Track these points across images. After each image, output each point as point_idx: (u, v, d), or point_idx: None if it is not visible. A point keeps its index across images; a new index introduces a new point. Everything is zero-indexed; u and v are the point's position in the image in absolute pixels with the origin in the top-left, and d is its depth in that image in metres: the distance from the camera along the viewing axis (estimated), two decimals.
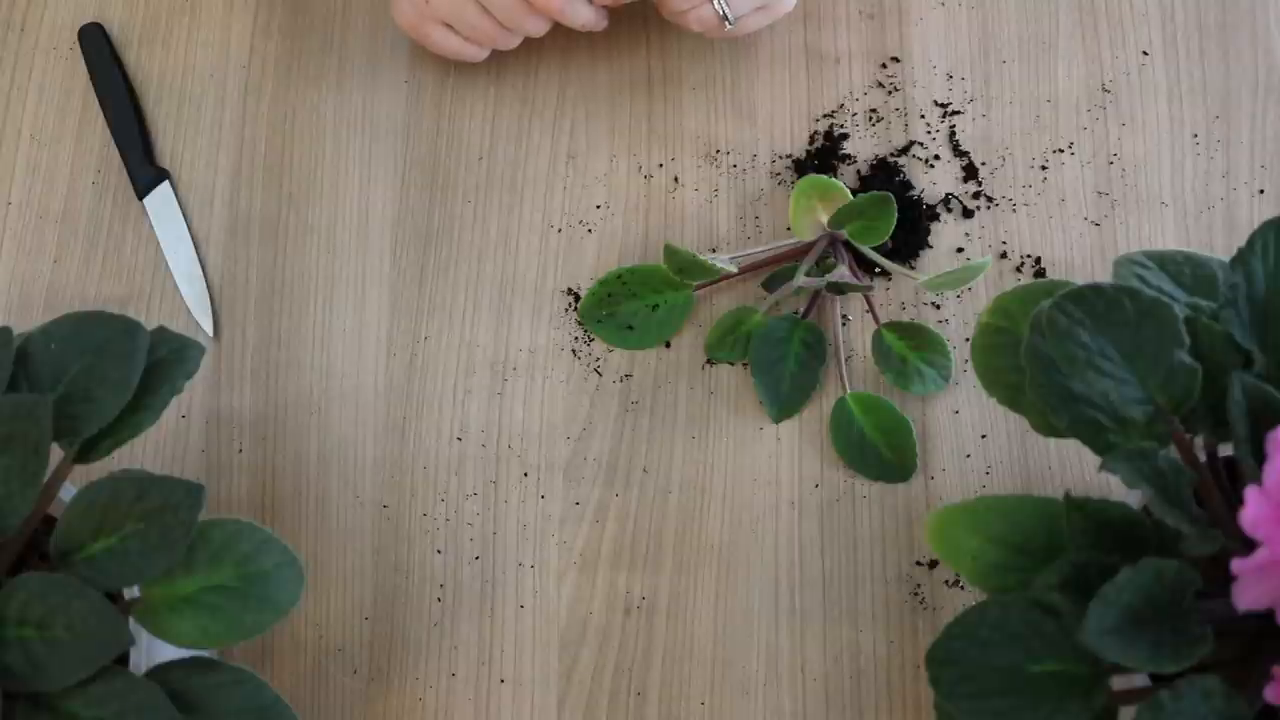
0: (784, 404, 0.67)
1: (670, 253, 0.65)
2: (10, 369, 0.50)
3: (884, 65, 0.74)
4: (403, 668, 0.64)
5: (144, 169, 0.73)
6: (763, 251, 0.70)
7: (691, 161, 0.73)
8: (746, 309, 0.68)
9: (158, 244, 0.72)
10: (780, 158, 0.72)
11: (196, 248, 0.72)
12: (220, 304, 0.71)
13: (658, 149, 0.73)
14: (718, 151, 0.73)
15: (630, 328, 0.69)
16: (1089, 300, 0.46)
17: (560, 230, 0.72)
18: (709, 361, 0.69)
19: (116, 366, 0.51)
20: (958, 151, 0.72)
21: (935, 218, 0.71)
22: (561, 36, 0.73)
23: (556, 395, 0.68)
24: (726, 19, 0.67)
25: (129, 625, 0.47)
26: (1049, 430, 0.49)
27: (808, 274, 0.66)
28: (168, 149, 0.74)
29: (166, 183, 0.73)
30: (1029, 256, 0.70)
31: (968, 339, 0.68)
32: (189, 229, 0.72)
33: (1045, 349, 0.47)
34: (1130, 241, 0.70)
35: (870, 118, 0.73)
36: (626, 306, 0.69)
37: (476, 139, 0.73)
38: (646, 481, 0.67)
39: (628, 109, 0.74)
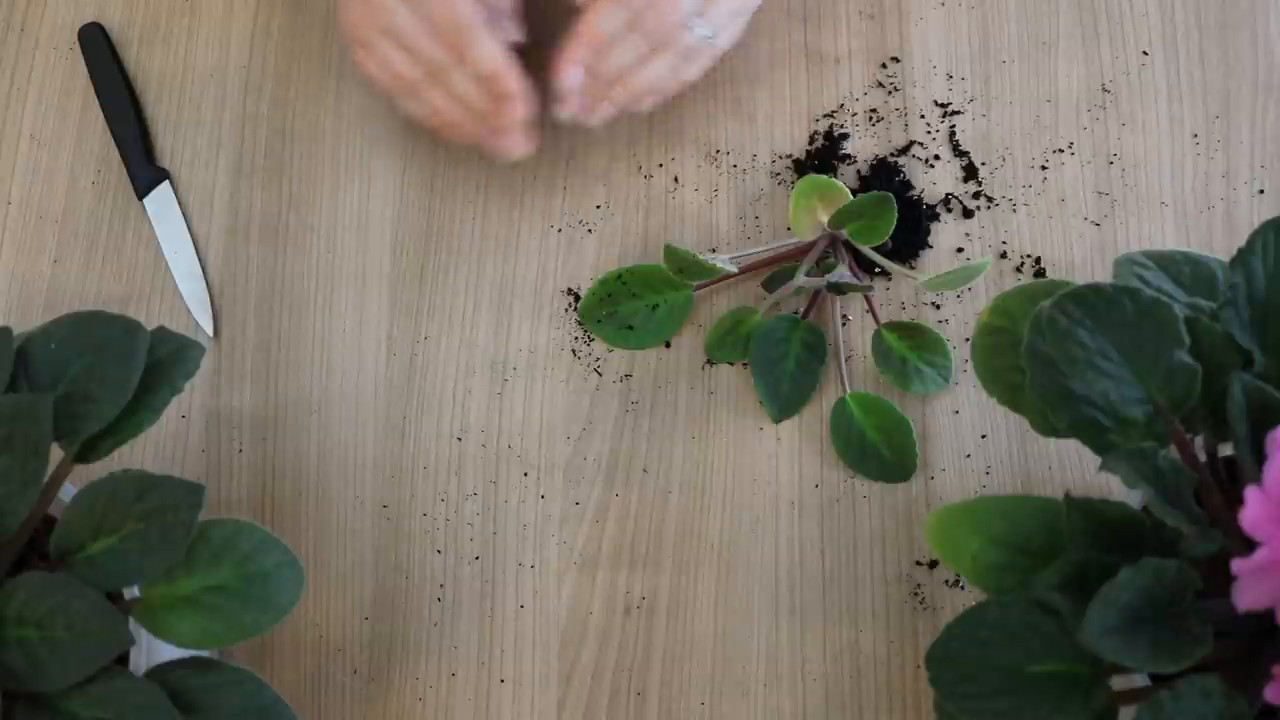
0: (784, 404, 0.67)
1: (670, 253, 0.65)
2: (10, 369, 0.51)
3: (884, 65, 0.74)
4: (403, 668, 0.64)
5: (144, 169, 0.73)
6: (763, 251, 0.70)
7: (691, 161, 0.73)
8: (746, 309, 0.68)
9: (158, 244, 0.72)
10: (780, 158, 0.72)
11: (196, 248, 0.72)
12: (220, 304, 0.71)
13: (658, 149, 0.73)
14: (718, 151, 0.73)
15: (630, 328, 0.69)
16: (1089, 300, 0.46)
17: (560, 230, 0.72)
18: (709, 361, 0.69)
19: (116, 366, 0.51)
20: (958, 151, 0.72)
21: (935, 218, 0.71)
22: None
23: (556, 395, 0.68)
24: (709, 37, 0.66)
25: (129, 625, 0.47)
26: (1049, 430, 0.49)
27: (808, 274, 0.66)
28: (168, 149, 0.74)
29: (166, 183, 0.73)
30: (1029, 256, 0.70)
31: (968, 339, 0.68)
32: (189, 229, 0.72)
33: (1045, 349, 0.47)
34: (1130, 241, 0.70)
35: (870, 118, 0.73)
36: (626, 306, 0.69)
37: None
38: (646, 481, 0.67)
39: None
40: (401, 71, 0.66)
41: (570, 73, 0.66)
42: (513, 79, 0.65)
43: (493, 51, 0.64)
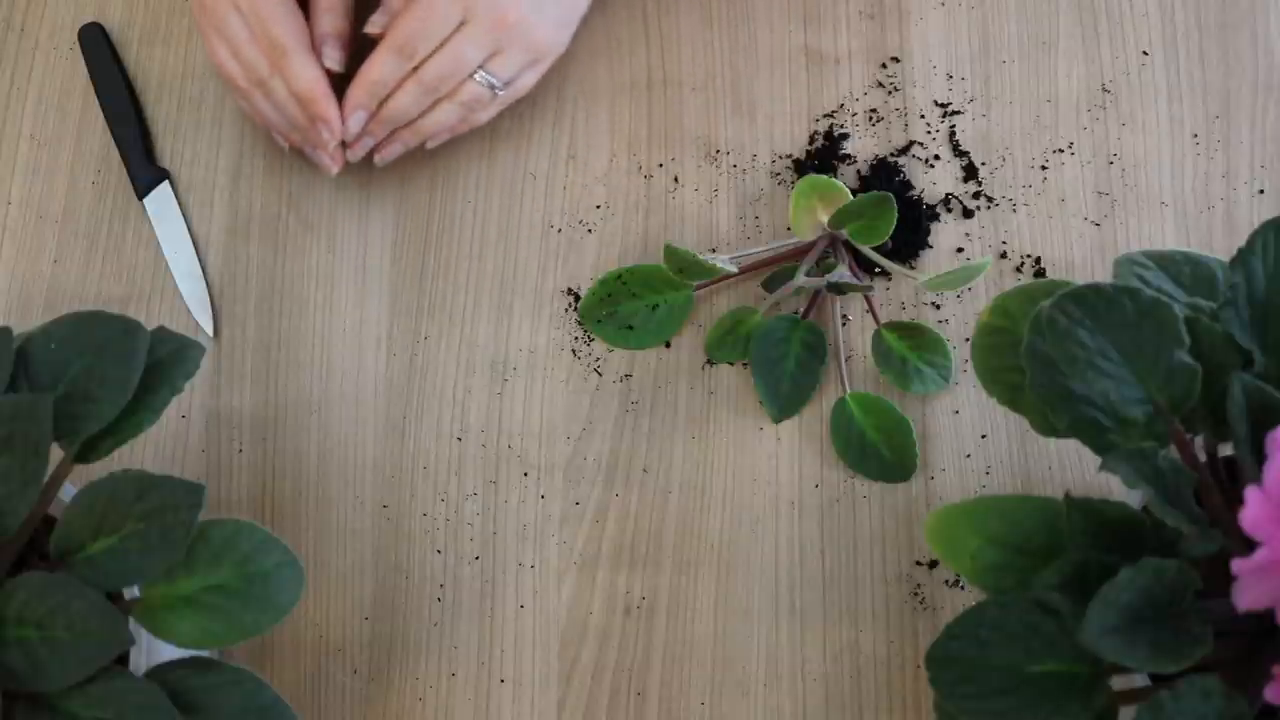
0: (784, 404, 0.67)
1: (670, 253, 0.65)
2: (10, 369, 0.51)
3: (884, 65, 0.74)
4: (403, 668, 0.64)
5: (144, 169, 0.73)
6: (763, 251, 0.70)
7: (691, 161, 0.73)
8: (746, 309, 0.68)
9: (158, 244, 0.72)
10: (780, 158, 0.72)
11: (196, 248, 0.72)
12: (220, 304, 0.71)
13: (658, 149, 0.73)
14: (718, 151, 0.73)
15: (630, 328, 0.69)
16: (1089, 300, 0.46)
17: (560, 230, 0.72)
18: (709, 361, 0.69)
19: (116, 366, 0.51)
20: (958, 151, 0.72)
21: (935, 218, 0.71)
22: None
23: (556, 395, 0.68)
24: (495, 88, 0.67)
25: (129, 625, 0.47)
26: (1049, 430, 0.49)
27: (808, 274, 0.66)
28: (168, 149, 0.74)
29: (166, 183, 0.73)
30: (1029, 256, 0.70)
31: (968, 339, 0.68)
32: (189, 229, 0.72)
33: (1045, 349, 0.47)
34: (1130, 241, 0.70)
35: (870, 118, 0.73)
36: (626, 306, 0.69)
37: (477, 138, 0.73)
38: (646, 481, 0.67)
39: (628, 109, 0.74)
40: (229, 72, 0.67)
41: (353, 118, 0.67)
42: (325, 104, 0.66)
43: (308, 74, 0.66)
